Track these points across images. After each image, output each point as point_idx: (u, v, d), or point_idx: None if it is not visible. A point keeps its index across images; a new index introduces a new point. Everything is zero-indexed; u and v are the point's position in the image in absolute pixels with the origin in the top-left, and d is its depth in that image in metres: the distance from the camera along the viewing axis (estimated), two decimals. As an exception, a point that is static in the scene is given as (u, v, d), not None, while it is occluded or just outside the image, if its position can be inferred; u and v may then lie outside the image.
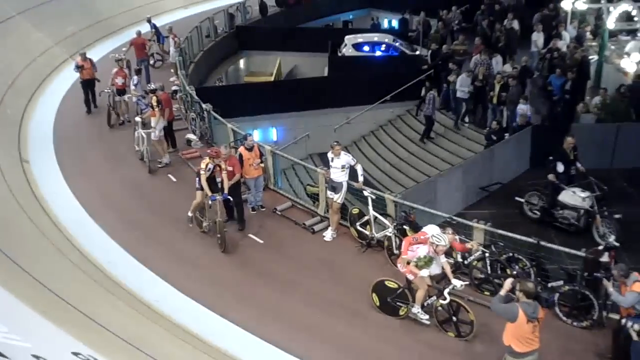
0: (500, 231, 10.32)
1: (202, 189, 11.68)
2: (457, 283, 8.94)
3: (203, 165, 11.59)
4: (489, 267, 10.33)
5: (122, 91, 16.95)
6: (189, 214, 12.10)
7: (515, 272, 9.90)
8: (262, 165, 12.84)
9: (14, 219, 11.74)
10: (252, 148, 12.47)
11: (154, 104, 14.54)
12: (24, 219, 11.89)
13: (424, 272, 9.06)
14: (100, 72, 17.82)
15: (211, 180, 11.77)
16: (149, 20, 22.32)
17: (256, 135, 18.20)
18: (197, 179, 11.78)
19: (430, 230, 9.37)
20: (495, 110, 17.56)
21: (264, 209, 13.02)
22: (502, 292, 7.73)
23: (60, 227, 12.35)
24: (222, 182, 11.74)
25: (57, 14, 23.25)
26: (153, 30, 22.10)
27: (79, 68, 17.41)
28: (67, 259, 10.89)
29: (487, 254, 10.31)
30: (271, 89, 22.65)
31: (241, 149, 12.49)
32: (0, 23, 20.94)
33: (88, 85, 17.74)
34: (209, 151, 11.90)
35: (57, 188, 14.01)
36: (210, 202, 11.62)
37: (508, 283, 7.79)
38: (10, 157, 14.93)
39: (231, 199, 11.79)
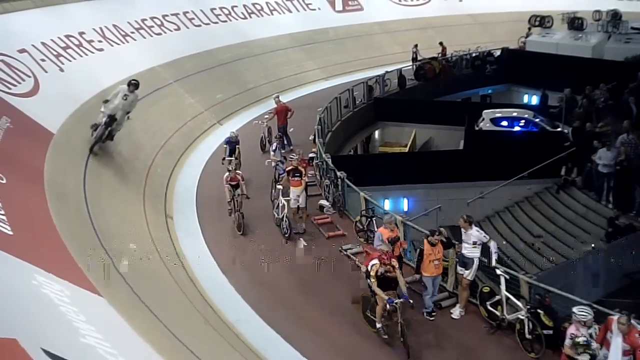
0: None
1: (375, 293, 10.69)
2: None
3: (373, 273, 10.52)
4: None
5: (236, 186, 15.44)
6: (378, 325, 10.94)
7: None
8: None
9: (156, 271, 12.45)
10: (437, 244, 11.49)
11: (303, 172, 15.08)
12: (165, 271, 12.60)
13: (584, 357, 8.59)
14: (243, 138, 18.71)
15: (381, 280, 10.64)
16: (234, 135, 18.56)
17: (387, 205, 18.25)
18: (367, 281, 10.84)
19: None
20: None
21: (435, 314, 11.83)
22: None
23: (196, 283, 12.93)
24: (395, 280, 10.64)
25: (208, 83, 25.03)
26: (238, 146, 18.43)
27: None
28: (199, 313, 11.36)
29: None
30: (405, 159, 22.78)
31: (424, 243, 11.59)
32: (159, 89, 22.90)
33: None
34: (381, 255, 10.65)
35: (196, 245, 14.73)
36: (389, 306, 10.55)
37: None
38: (157, 212, 15.98)
39: (411, 301, 10.67)
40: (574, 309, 8.95)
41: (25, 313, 6.56)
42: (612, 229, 15.71)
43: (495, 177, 19.97)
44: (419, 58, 29.48)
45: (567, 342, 8.83)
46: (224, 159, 17.80)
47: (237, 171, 15.57)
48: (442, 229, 11.85)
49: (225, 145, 18.22)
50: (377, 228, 14.27)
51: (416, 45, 30.10)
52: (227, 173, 15.52)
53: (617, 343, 8.61)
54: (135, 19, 24.89)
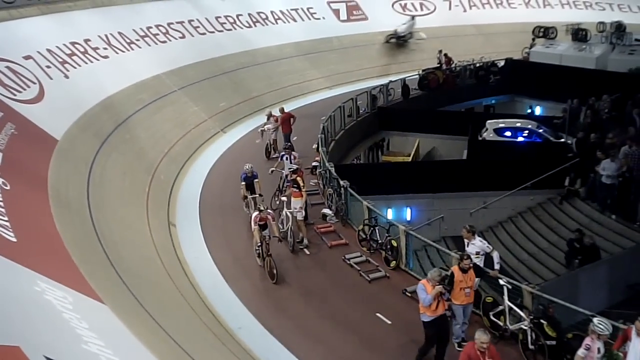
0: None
1: None
2: None
3: None
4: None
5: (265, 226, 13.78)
6: None
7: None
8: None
9: (158, 278, 12.48)
10: (468, 270, 10.66)
11: (301, 184, 14.96)
12: (166, 278, 12.61)
13: None
14: (247, 147, 18.66)
15: None
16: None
17: (390, 214, 18.23)
18: None
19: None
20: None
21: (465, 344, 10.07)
22: None
23: (198, 290, 12.96)
24: None
25: (212, 91, 25.14)
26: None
27: None
28: (200, 321, 11.35)
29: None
30: (408, 169, 22.76)
31: (454, 269, 10.69)
32: (164, 96, 22.99)
33: None
34: None
35: (198, 252, 14.76)
36: None
37: None
38: (160, 219, 15.99)
39: None
40: (594, 320, 8.71)
41: (28, 320, 6.56)
42: (575, 249, 15.73)
43: (498, 188, 19.95)
44: (443, 63, 29.86)
45: (581, 352, 8.52)
46: (245, 197, 16.06)
47: (269, 210, 14.02)
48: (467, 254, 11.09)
49: (242, 183, 16.02)
50: (380, 238, 14.34)
51: (440, 51, 30.31)
52: (256, 212, 13.79)
53: (635, 348, 8.52)
54: (141, 27, 25.07)
